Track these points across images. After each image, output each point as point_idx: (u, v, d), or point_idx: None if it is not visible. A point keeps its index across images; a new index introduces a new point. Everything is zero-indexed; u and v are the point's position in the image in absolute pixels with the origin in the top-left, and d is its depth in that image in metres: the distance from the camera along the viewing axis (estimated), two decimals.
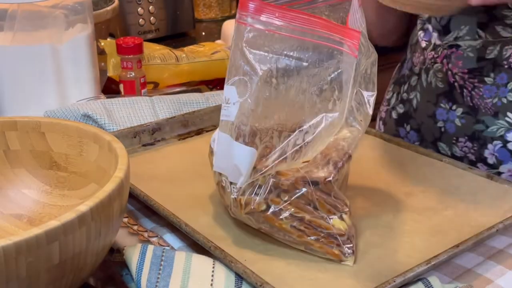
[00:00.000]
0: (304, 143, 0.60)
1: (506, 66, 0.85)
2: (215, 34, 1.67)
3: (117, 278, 0.61)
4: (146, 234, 0.67)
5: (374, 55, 0.68)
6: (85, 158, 0.66)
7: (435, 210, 0.70)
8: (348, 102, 0.61)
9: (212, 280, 0.57)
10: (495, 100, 0.86)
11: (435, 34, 0.92)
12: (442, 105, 0.92)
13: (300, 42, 0.60)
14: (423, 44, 0.94)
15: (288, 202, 0.60)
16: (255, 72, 0.59)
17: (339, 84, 0.60)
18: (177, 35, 1.62)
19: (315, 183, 0.60)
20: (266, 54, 0.59)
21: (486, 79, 0.87)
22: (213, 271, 0.58)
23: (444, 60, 0.90)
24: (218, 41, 1.38)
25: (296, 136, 0.60)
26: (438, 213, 0.69)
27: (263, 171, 0.60)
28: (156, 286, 0.55)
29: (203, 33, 1.71)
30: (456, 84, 0.89)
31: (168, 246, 0.65)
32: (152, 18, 1.54)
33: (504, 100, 0.86)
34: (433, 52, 0.91)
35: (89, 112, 0.90)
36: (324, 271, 0.60)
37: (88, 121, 0.91)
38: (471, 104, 0.89)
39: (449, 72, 0.90)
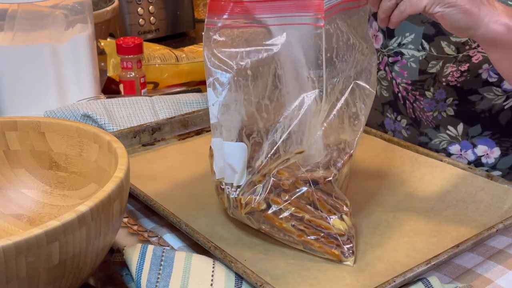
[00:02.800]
0: (292, 130, 0.60)
1: (444, 84, 0.84)
2: None
3: (117, 278, 0.61)
4: (146, 234, 0.67)
5: (373, 55, 0.68)
6: (85, 158, 0.66)
7: (435, 210, 0.70)
8: (326, 78, 0.59)
9: (212, 280, 0.57)
10: (435, 113, 0.87)
11: (380, 35, 0.90)
12: (388, 115, 0.92)
13: (266, 29, 0.59)
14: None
15: (288, 201, 0.60)
16: (229, 67, 0.59)
17: (311, 60, 0.59)
18: (177, 35, 1.62)
19: (315, 182, 0.60)
20: (236, 49, 0.59)
21: (426, 92, 0.86)
22: (213, 271, 0.58)
23: (387, 68, 0.89)
24: None
25: (282, 124, 0.60)
26: (438, 213, 0.69)
27: (260, 167, 0.60)
28: (156, 286, 0.55)
29: (203, 33, 1.70)
30: (399, 94, 0.89)
31: (168, 246, 0.65)
32: (152, 18, 1.54)
33: (444, 114, 0.86)
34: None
35: (89, 112, 0.90)
36: (324, 271, 0.60)
37: (88, 121, 0.91)
38: (413, 116, 0.89)
39: (394, 81, 0.89)
